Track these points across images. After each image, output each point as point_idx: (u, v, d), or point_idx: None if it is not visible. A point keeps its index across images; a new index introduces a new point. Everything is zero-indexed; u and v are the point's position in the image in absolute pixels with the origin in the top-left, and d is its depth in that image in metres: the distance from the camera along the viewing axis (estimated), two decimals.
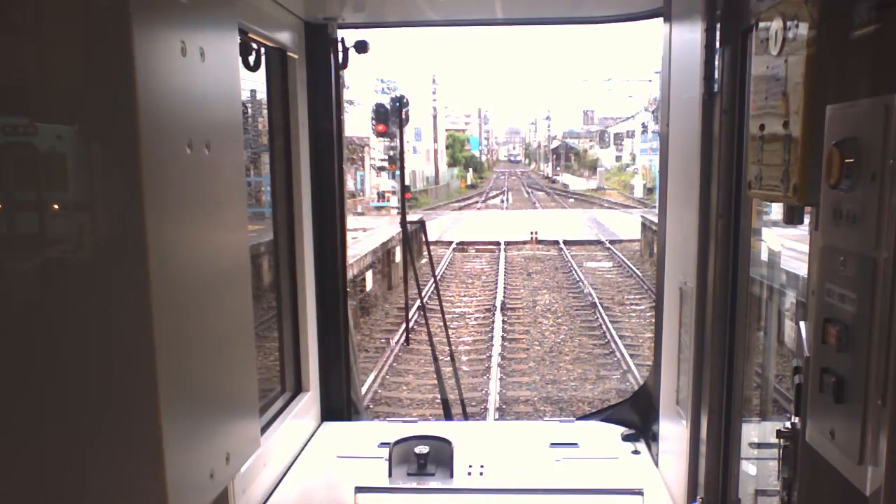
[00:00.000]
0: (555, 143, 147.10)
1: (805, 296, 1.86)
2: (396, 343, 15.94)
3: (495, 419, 11.75)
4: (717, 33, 2.88)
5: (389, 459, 3.80)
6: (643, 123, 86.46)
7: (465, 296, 22.04)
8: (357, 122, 39.74)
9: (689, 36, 3.15)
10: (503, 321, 18.27)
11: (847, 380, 1.51)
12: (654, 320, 4.47)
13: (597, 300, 20.11)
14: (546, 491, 3.70)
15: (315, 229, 4.50)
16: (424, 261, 17.82)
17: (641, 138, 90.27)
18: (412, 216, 15.89)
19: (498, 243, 32.34)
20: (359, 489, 3.55)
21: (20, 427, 1.82)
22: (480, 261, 29.34)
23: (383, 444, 4.00)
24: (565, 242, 32.20)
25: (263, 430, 3.67)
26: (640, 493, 3.54)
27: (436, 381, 7.07)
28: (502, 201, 64.69)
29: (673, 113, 3.58)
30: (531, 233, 33.25)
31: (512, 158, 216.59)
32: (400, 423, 4.74)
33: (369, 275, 20.43)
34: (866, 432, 1.42)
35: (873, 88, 1.53)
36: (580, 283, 23.03)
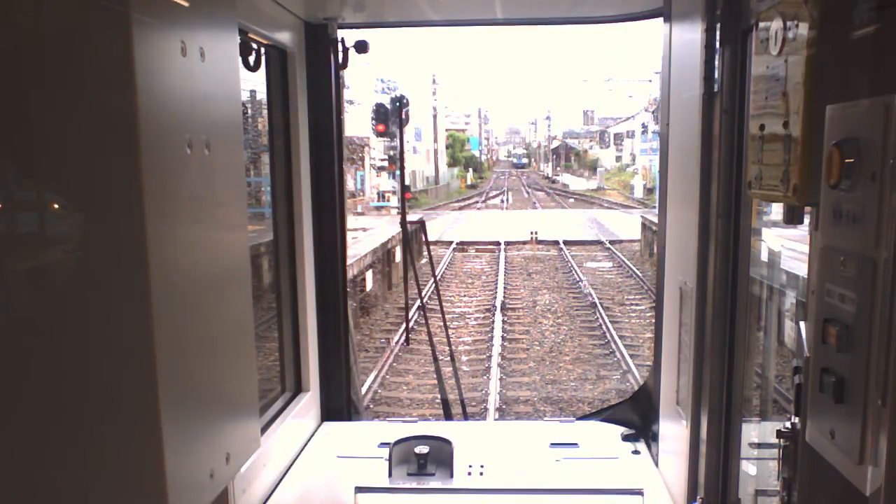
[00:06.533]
0: (555, 143, 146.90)
1: (805, 296, 1.86)
2: (396, 343, 15.94)
3: (495, 419, 11.75)
4: (717, 33, 2.88)
5: (389, 459, 3.80)
6: (643, 123, 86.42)
7: (465, 296, 22.04)
8: (357, 122, 39.72)
9: (689, 36, 3.15)
10: (503, 321, 18.26)
11: (847, 380, 1.51)
12: (653, 320, 4.48)
13: (597, 300, 20.11)
14: (546, 491, 3.70)
15: (315, 229, 4.50)
16: (424, 261, 17.81)
17: (641, 138, 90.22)
18: (412, 216, 15.90)
19: (498, 243, 32.33)
20: (359, 489, 3.55)
21: (20, 427, 1.82)
22: (480, 261, 29.33)
23: (383, 444, 4.00)
24: (565, 242, 32.19)
25: (263, 430, 3.67)
26: (640, 493, 3.54)
27: (436, 381, 7.07)
28: (502, 201, 64.67)
29: (673, 113, 3.59)
30: (531, 233, 33.23)
31: (516, 161, 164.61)
32: (400, 423, 4.75)
33: (369, 275, 20.43)
34: (866, 432, 1.42)
35: (873, 88, 1.53)
36: (580, 284, 23.03)
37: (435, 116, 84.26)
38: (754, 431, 3.29)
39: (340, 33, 4.43)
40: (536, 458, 4.09)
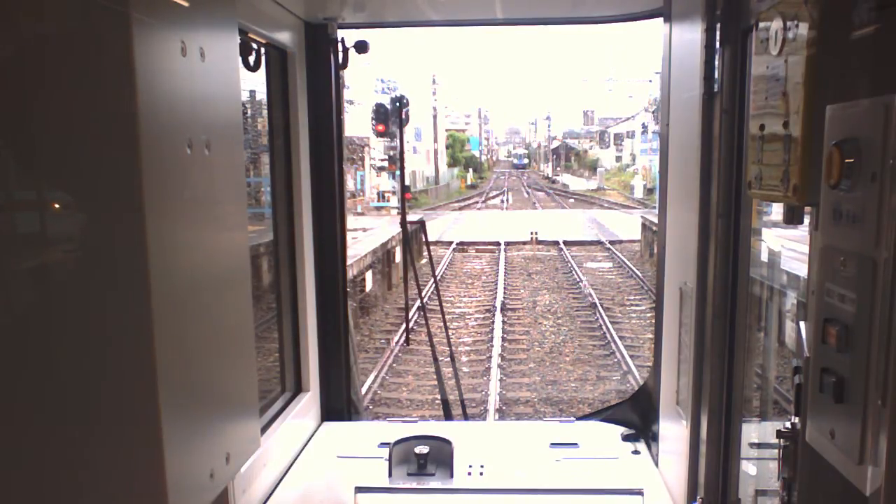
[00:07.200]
0: (555, 144, 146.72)
1: (805, 296, 1.86)
2: (396, 343, 15.93)
3: (495, 420, 11.75)
4: (717, 33, 2.88)
5: (389, 459, 3.80)
6: (643, 124, 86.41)
7: (465, 296, 22.03)
8: (357, 122, 39.72)
9: (689, 36, 3.15)
10: (503, 321, 18.26)
11: (847, 380, 1.51)
12: (653, 321, 4.48)
13: (597, 301, 20.10)
14: (546, 491, 3.70)
15: (315, 229, 4.50)
16: (424, 261, 17.80)
17: (641, 138, 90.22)
18: (412, 216, 15.89)
19: (498, 243, 32.32)
20: (359, 489, 3.55)
21: (20, 427, 1.82)
22: (480, 261, 29.33)
23: (383, 444, 4.00)
24: (565, 243, 32.18)
25: (263, 430, 3.67)
26: (640, 493, 3.54)
27: (436, 382, 7.06)
28: (502, 201, 64.66)
29: (673, 113, 3.59)
30: (531, 233, 33.23)
31: (516, 161, 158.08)
32: (400, 423, 4.75)
33: (369, 275, 20.43)
34: (866, 432, 1.42)
35: (873, 88, 1.53)
36: (580, 284, 23.03)
37: (435, 116, 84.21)
38: (754, 432, 3.29)
39: (340, 33, 4.43)
40: (536, 458, 4.09)
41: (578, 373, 14.57)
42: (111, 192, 1.84)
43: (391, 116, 13.80)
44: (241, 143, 2.55)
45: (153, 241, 1.86)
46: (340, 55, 4.46)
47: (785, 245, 4.22)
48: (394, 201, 45.61)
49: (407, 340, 15.53)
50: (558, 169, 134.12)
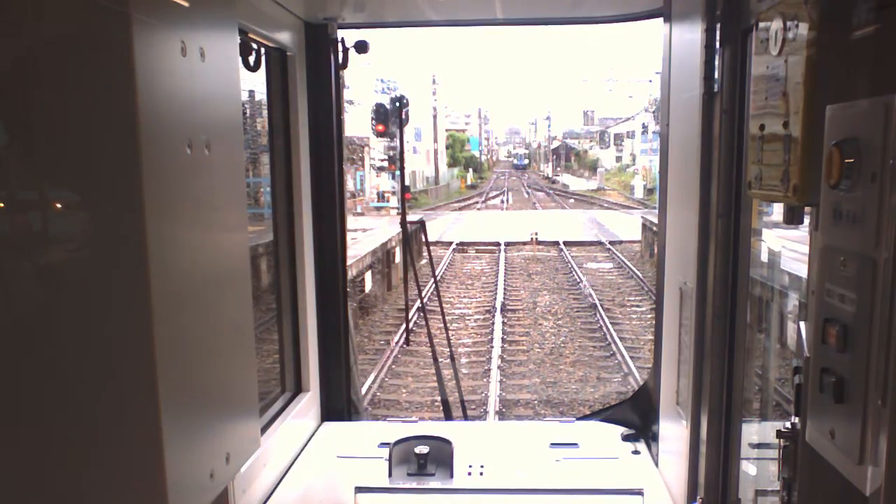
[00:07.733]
0: (555, 144, 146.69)
1: (805, 296, 1.86)
2: (396, 344, 15.93)
3: (495, 420, 11.75)
4: (717, 33, 2.88)
5: (389, 459, 3.81)
6: (643, 124, 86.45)
7: (464, 297, 22.02)
8: (357, 122, 39.71)
9: (689, 36, 3.16)
10: (503, 322, 18.25)
11: (847, 380, 1.51)
12: (654, 321, 4.48)
13: (597, 301, 20.10)
14: (546, 491, 3.70)
15: (315, 229, 4.50)
16: (424, 261, 17.81)
17: (641, 139, 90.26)
18: (412, 216, 15.87)
19: (498, 244, 32.32)
20: (359, 489, 3.55)
21: (20, 427, 1.82)
22: (480, 261, 29.33)
23: (383, 445, 4.01)
24: (565, 243, 32.17)
25: (263, 430, 3.68)
26: (640, 493, 3.54)
27: (435, 384, 7.06)
28: (502, 202, 64.65)
29: (673, 113, 3.59)
30: (531, 234, 33.23)
31: (516, 161, 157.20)
32: (400, 423, 4.75)
33: (369, 275, 20.43)
34: (866, 432, 1.42)
35: (873, 88, 1.53)
36: (580, 285, 23.02)
37: (435, 116, 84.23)
38: (755, 432, 3.29)
39: (340, 33, 4.43)
40: (536, 458, 4.09)
41: (579, 374, 14.57)
42: (111, 192, 1.85)
43: (391, 116, 13.80)
44: (241, 143, 2.55)
45: (153, 241, 1.86)
46: (340, 55, 4.46)
47: (786, 245, 4.23)
48: (393, 201, 45.60)
49: (407, 341, 15.53)
50: (558, 169, 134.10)
